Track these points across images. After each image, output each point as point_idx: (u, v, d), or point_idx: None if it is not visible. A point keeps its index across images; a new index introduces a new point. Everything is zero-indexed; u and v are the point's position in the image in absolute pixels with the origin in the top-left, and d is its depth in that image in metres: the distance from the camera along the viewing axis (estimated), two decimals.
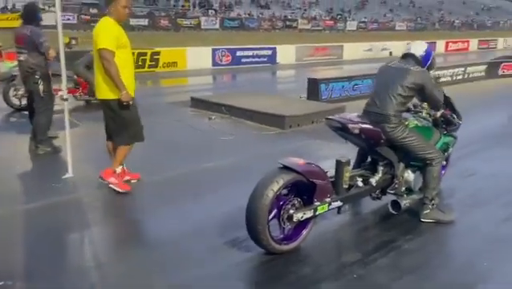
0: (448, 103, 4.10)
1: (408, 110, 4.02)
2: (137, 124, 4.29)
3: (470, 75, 13.40)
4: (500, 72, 14.42)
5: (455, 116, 4.11)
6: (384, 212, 3.90)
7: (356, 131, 3.53)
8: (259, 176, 3.17)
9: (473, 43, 31.11)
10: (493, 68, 14.32)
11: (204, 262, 3.13)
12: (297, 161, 3.21)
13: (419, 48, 3.82)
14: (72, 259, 3.21)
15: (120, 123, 4.21)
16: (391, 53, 24.92)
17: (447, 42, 28.50)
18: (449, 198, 4.27)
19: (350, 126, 3.52)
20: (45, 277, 2.94)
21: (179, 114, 8.12)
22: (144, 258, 3.22)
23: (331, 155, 5.62)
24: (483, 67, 14.07)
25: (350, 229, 3.69)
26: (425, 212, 3.73)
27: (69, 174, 4.78)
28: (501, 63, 14.84)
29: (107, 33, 3.98)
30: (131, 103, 4.12)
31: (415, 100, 4.03)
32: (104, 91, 4.11)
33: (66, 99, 4.77)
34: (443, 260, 3.22)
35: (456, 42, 29.65)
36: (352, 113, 3.77)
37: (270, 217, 3.09)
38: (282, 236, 3.23)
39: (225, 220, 3.74)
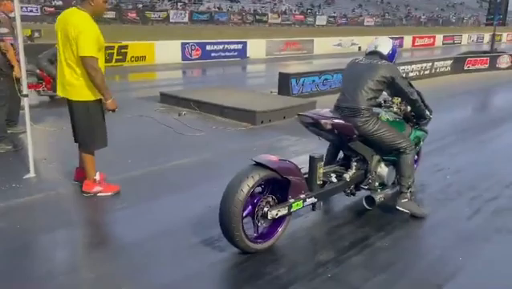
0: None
1: (379, 105, 4.03)
2: (104, 128, 4.08)
3: (437, 70, 13.70)
4: (465, 67, 14.81)
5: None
6: (358, 208, 3.89)
7: (329, 126, 3.49)
8: (231, 173, 3.08)
9: (439, 39, 31.91)
10: (458, 63, 14.69)
11: (177, 264, 3.02)
12: (270, 158, 3.13)
13: (386, 47, 3.85)
14: (36, 266, 3.00)
15: (84, 126, 3.96)
16: (360, 48, 25.27)
17: (414, 38, 29.10)
18: (420, 193, 4.30)
19: (322, 121, 3.47)
20: (8, 287, 2.75)
21: (148, 109, 7.89)
22: (114, 262, 3.08)
23: (303, 151, 5.62)
24: (449, 62, 14.41)
25: (324, 227, 3.64)
26: (403, 200, 3.72)
27: (31, 174, 4.54)
28: (467, 58, 15.26)
29: (90, 36, 3.67)
30: (116, 110, 3.94)
31: (385, 96, 4.04)
32: (70, 92, 3.86)
33: (26, 95, 4.51)
34: (415, 257, 3.23)
35: (422, 37, 30.31)
36: (324, 109, 3.72)
37: (244, 214, 3.01)
38: (256, 234, 3.15)
39: (197, 219, 3.64)
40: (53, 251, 3.23)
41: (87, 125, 3.96)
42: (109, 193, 4.10)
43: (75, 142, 4.17)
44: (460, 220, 3.80)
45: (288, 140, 6.14)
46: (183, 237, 3.37)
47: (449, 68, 14.24)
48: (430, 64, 13.49)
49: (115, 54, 15.56)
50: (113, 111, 3.92)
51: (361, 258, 3.14)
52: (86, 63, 3.68)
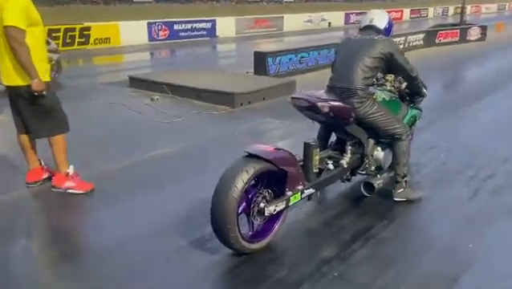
0: None
1: (372, 84, 3.75)
2: (60, 110, 3.66)
3: (411, 44, 13.59)
4: (437, 40, 14.77)
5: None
6: (354, 194, 3.65)
7: (326, 109, 3.18)
8: (214, 162, 2.78)
9: (406, 13, 31.95)
10: (430, 36, 14.63)
11: (164, 271, 2.68)
12: (264, 148, 2.82)
13: (382, 20, 3.56)
14: None
15: (39, 112, 3.54)
16: (330, 24, 25.02)
17: None
18: (416, 174, 4.09)
19: (319, 104, 3.16)
20: None
21: (116, 95, 7.39)
22: (88, 273, 2.71)
23: (288, 134, 5.33)
24: (421, 36, 14.32)
25: (321, 218, 3.36)
26: (399, 191, 3.52)
27: None
28: (438, 31, 15.22)
29: (17, 6, 3.25)
30: (44, 93, 3.47)
31: (378, 74, 3.76)
32: (14, 77, 3.42)
33: None
34: (423, 246, 2.98)
35: (390, 11, 30.14)
36: (319, 90, 3.41)
37: (239, 212, 2.69)
38: (252, 233, 2.85)
39: (182, 217, 3.29)
40: (15, 264, 2.82)
41: (33, 112, 3.54)
42: (81, 191, 3.68)
43: (22, 133, 3.73)
44: (461, 202, 3.60)
45: (271, 123, 5.82)
46: (169, 239, 3.02)
47: (422, 42, 14.17)
48: (403, 38, 13.36)
49: (77, 37, 14.77)
50: (39, 92, 3.43)
51: (366, 252, 2.89)
52: (8, 34, 3.24)
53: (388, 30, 3.55)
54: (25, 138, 3.76)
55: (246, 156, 2.75)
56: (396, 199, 3.52)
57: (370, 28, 3.51)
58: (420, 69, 3.80)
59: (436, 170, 4.26)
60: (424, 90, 3.85)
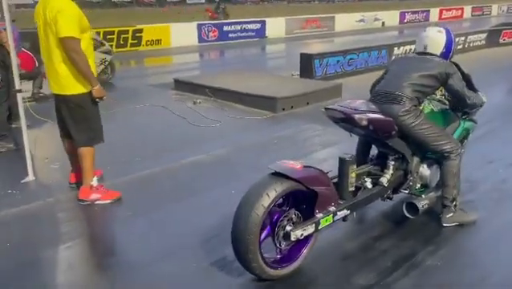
0: (467, 82, 3.46)
1: (420, 98, 3.39)
2: (99, 122, 3.66)
3: (471, 44, 12.74)
4: (501, 40, 13.76)
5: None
6: (397, 214, 3.31)
7: (364, 122, 2.89)
8: (250, 173, 2.56)
9: (467, 10, 30.25)
10: (493, 36, 13.66)
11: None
12: (293, 166, 2.55)
13: (436, 46, 3.19)
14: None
15: (83, 121, 3.53)
16: (383, 23, 24.12)
17: (441, 10, 27.63)
18: (470, 193, 3.68)
19: (356, 117, 2.88)
20: None
21: (160, 98, 7.40)
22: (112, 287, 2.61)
23: (330, 142, 5.03)
24: (483, 35, 13.38)
25: (358, 240, 3.06)
26: (448, 215, 3.15)
27: (29, 178, 4.12)
28: (502, 30, 14.17)
29: (70, 15, 3.26)
30: (104, 98, 3.50)
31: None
32: (70, 85, 3.41)
33: (19, 91, 4.05)
34: (476, 278, 2.64)
35: (450, 9, 28.74)
36: (358, 100, 3.11)
37: (262, 237, 2.48)
38: (277, 258, 2.62)
39: (209, 232, 3.13)
40: (50, 270, 2.79)
41: (84, 120, 3.53)
42: (108, 201, 3.63)
43: (66, 138, 3.74)
44: None
45: (313, 130, 5.55)
46: (193, 256, 2.86)
47: (484, 42, 13.24)
48: (463, 38, 12.54)
49: (129, 39, 15.10)
50: (100, 99, 3.50)
51: (409, 282, 2.58)
52: (66, 45, 3.25)
53: (446, 54, 3.21)
54: (69, 143, 3.75)
55: (272, 173, 2.52)
56: (444, 225, 3.16)
57: (425, 54, 3.21)
58: (481, 71, 3.42)
59: (494, 188, 3.82)
60: (483, 98, 3.44)
